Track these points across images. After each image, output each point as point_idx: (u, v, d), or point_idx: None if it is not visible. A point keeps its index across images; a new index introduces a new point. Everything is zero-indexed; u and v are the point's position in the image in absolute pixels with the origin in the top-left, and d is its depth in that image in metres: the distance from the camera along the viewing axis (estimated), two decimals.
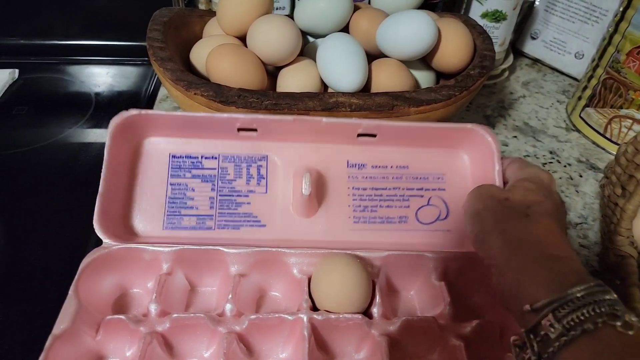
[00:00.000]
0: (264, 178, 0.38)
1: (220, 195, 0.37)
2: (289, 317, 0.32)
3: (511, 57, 0.63)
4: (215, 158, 0.38)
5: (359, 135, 0.38)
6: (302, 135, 0.38)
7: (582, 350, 0.22)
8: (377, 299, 0.34)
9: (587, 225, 0.45)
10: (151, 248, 0.35)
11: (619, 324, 0.22)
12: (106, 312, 0.33)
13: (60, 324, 0.30)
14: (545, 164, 0.52)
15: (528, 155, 0.53)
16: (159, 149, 0.38)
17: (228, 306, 0.33)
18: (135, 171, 0.37)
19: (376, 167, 0.39)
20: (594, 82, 0.54)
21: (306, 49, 0.46)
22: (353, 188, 0.39)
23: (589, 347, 0.22)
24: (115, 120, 0.36)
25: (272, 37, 0.41)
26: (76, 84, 0.59)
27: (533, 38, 0.67)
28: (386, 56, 0.45)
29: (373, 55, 0.45)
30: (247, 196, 0.38)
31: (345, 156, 0.39)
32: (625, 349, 0.21)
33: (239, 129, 0.37)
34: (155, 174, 0.38)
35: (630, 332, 0.22)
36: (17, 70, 0.59)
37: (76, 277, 0.33)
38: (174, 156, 0.38)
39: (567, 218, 0.44)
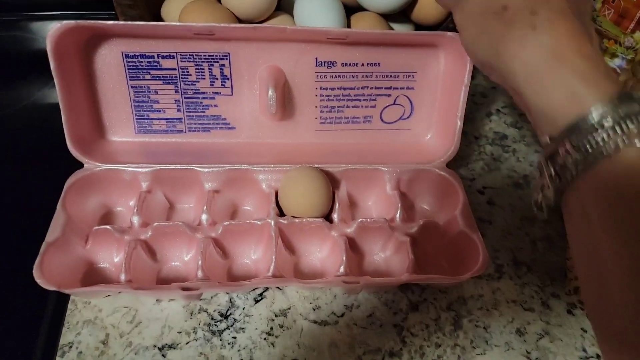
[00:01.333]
0: (228, 79, 0.38)
1: (185, 98, 0.39)
2: (258, 222, 0.36)
3: None
4: (173, 57, 0.37)
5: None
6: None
7: (600, 175, 0.20)
8: (337, 206, 0.38)
9: None
10: (130, 169, 0.38)
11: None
12: (93, 226, 0.37)
13: (52, 233, 0.34)
14: (522, 114, 0.47)
15: (506, 106, 0.53)
16: (110, 51, 0.36)
17: (204, 216, 0.37)
18: (92, 82, 0.37)
19: (346, 64, 0.39)
20: None
21: (283, 4, 0.45)
22: (321, 88, 0.40)
23: (609, 171, 0.20)
24: (53, 35, 0.33)
25: None
26: (39, 41, 0.54)
27: None
28: (365, 9, 0.43)
29: (351, 8, 0.43)
30: (214, 98, 0.39)
31: (313, 53, 0.38)
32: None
33: (196, 34, 0.36)
34: (112, 78, 0.37)
35: None
36: None
37: (62, 195, 0.36)
38: (127, 55, 0.37)
39: None
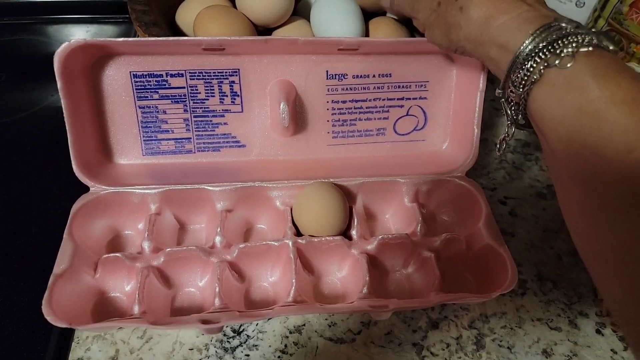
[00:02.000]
0: (238, 95, 0.37)
1: (194, 117, 0.38)
2: (275, 244, 0.35)
3: None
4: (182, 75, 0.36)
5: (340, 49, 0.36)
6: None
7: (538, 99, 0.24)
8: (355, 221, 0.37)
9: None
10: (138, 191, 0.36)
11: (557, 62, 0.22)
12: (101, 253, 0.35)
13: (60, 265, 0.32)
14: None
15: None
16: (118, 70, 0.35)
17: (218, 238, 0.35)
18: (99, 102, 0.36)
19: (357, 76, 0.38)
20: None
21: (299, 8, 0.43)
22: (332, 102, 0.39)
23: (542, 93, 0.23)
24: (60, 55, 0.32)
25: None
26: (55, 45, 0.54)
27: None
28: (384, 13, 0.42)
29: (370, 13, 0.42)
30: (223, 116, 0.38)
31: (324, 66, 0.38)
32: (570, 81, 0.22)
33: (205, 49, 0.35)
34: (120, 99, 0.36)
35: (571, 62, 0.22)
36: None
37: (68, 222, 0.34)
38: (135, 75, 0.36)
39: None
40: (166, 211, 0.37)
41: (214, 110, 0.38)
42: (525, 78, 0.24)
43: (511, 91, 0.25)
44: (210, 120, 0.38)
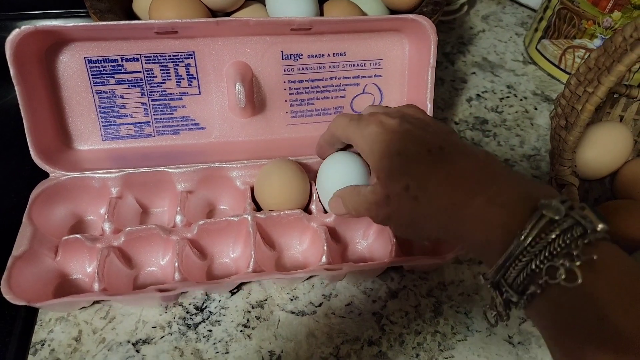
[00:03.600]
0: (194, 78, 0.38)
1: (152, 100, 0.38)
2: (235, 219, 0.35)
3: None
4: (137, 59, 0.36)
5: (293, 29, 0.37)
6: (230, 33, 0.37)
7: (540, 310, 0.21)
8: (315, 196, 0.37)
9: (540, 157, 0.48)
10: (99, 175, 0.37)
11: (561, 278, 0.20)
12: (63, 237, 0.35)
13: (19, 247, 0.32)
14: (503, 98, 0.53)
15: (486, 91, 0.54)
16: (72, 57, 0.35)
17: (178, 217, 0.36)
18: (55, 89, 0.36)
19: (312, 56, 0.39)
20: (549, 12, 0.54)
21: None
22: (289, 82, 0.40)
23: (544, 307, 0.21)
24: (12, 41, 0.32)
25: None
26: None
27: None
28: None
29: None
30: (181, 99, 0.39)
31: (279, 47, 0.38)
32: (575, 304, 0.20)
33: (158, 32, 0.35)
34: (76, 85, 0.36)
35: (576, 282, 0.20)
36: None
37: (27, 206, 0.35)
38: (90, 61, 0.36)
39: (520, 150, 0.47)
40: (127, 195, 0.38)
41: (171, 94, 0.38)
42: (521, 287, 0.21)
43: (505, 290, 0.22)
44: (168, 104, 0.39)
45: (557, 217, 0.21)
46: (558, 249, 0.20)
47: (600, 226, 0.20)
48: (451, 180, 0.25)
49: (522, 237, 0.21)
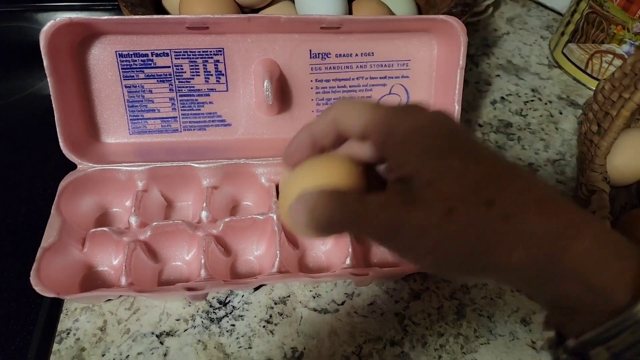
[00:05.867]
0: (223, 74, 0.38)
1: (180, 96, 0.38)
2: (260, 217, 0.35)
3: None
4: (167, 55, 0.37)
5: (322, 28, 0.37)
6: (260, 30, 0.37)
7: None
8: None
9: (565, 162, 0.47)
10: (125, 168, 0.37)
11: None
12: (90, 229, 0.36)
13: (48, 238, 0.33)
14: (527, 102, 0.53)
15: (510, 94, 0.54)
16: (104, 50, 0.36)
17: (204, 213, 0.36)
18: (86, 82, 0.36)
19: (340, 55, 0.39)
20: (577, 16, 0.53)
21: None
22: (316, 80, 0.39)
23: None
24: (46, 33, 0.32)
25: None
26: None
27: None
28: None
29: None
30: (209, 95, 0.39)
31: (307, 45, 0.38)
32: None
33: (189, 28, 0.35)
34: (106, 78, 0.37)
35: None
36: None
37: (56, 198, 0.35)
38: (121, 54, 0.36)
39: (544, 155, 0.46)
40: (153, 188, 0.38)
41: (199, 90, 0.38)
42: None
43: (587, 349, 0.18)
44: (196, 100, 0.39)
45: None
46: None
47: None
48: (546, 203, 0.19)
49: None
